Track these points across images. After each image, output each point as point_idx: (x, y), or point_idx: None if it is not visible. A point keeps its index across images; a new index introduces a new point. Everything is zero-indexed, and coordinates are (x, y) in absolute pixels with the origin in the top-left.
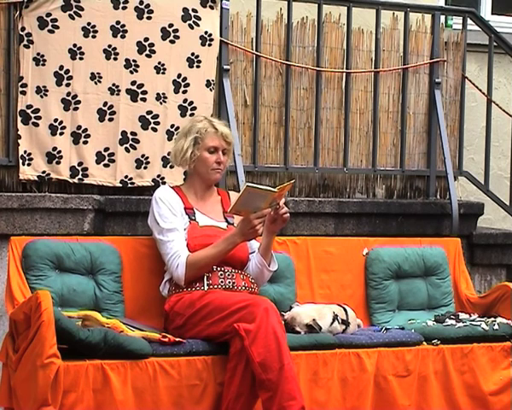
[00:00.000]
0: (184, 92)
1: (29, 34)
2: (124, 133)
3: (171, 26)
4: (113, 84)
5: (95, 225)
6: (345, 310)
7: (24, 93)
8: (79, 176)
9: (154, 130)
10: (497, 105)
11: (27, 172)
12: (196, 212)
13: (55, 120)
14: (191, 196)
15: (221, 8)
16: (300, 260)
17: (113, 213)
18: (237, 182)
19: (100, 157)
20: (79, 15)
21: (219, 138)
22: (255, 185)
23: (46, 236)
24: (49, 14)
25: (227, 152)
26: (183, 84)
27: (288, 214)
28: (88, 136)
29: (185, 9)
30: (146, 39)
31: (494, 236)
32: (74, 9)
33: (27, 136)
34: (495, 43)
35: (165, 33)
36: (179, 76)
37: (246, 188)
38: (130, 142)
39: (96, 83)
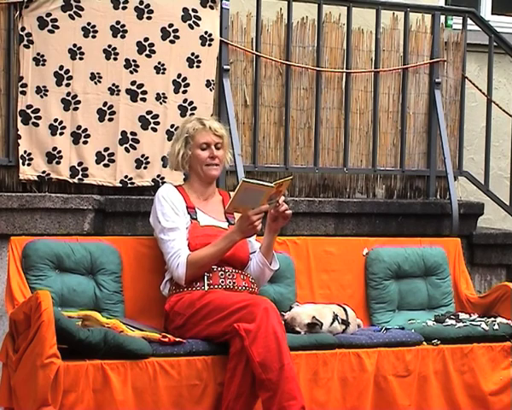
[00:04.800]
0: (184, 92)
1: (29, 34)
2: (124, 133)
3: (171, 26)
4: (113, 84)
5: (95, 225)
6: (345, 310)
7: (24, 93)
8: (79, 176)
9: (154, 130)
10: (497, 105)
11: (27, 172)
12: (198, 211)
13: (55, 120)
14: (193, 196)
15: (221, 8)
16: (300, 260)
17: (113, 213)
18: (237, 182)
19: (100, 157)
20: (79, 15)
21: (209, 133)
22: (251, 181)
23: (46, 236)
24: (49, 14)
25: (221, 146)
26: (182, 84)
27: (290, 211)
28: (88, 136)
29: (185, 9)
30: (146, 39)
31: (494, 236)
32: (74, 9)
33: (27, 136)
34: (495, 44)
35: (165, 33)
36: (179, 76)
37: (242, 183)
38: (130, 142)
39: (95, 83)
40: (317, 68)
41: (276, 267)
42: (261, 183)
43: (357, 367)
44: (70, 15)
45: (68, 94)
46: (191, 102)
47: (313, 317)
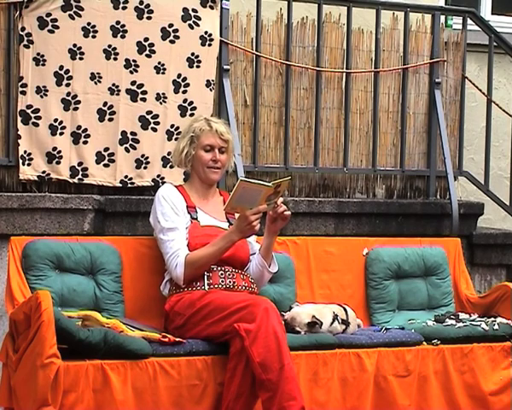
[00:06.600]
0: (184, 92)
1: (29, 34)
2: (124, 133)
3: (171, 26)
4: (113, 84)
5: (95, 225)
6: (345, 310)
7: (24, 93)
8: (79, 176)
9: (154, 130)
10: (497, 105)
11: (27, 172)
12: (199, 211)
13: (55, 120)
14: (194, 195)
15: (221, 8)
16: (300, 260)
17: (113, 213)
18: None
19: (100, 157)
20: (79, 15)
21: (215, 136)
22: (249, 180)
23: (46, 236)
24: (49, 14)
25: (225, 151)
26: (182, 84)
27: (289, 212)
28: (88, 136)
29: (185, 9)
30: (146, 39)
31: (494, 236)
32: (74, 9)
33: (27, 136)
34: (495, 44)
35: (165, 33)
36: (179, 76)
37: (240, 183)
38: (130, 142)
39: (96, 83)
40: (317, 68)
41: (274, 270)
42: (259, 182)
43: (357, 367)
44: (70, 15)
45: (68, 94)
46: (191, 102)
47: (313, 316)
